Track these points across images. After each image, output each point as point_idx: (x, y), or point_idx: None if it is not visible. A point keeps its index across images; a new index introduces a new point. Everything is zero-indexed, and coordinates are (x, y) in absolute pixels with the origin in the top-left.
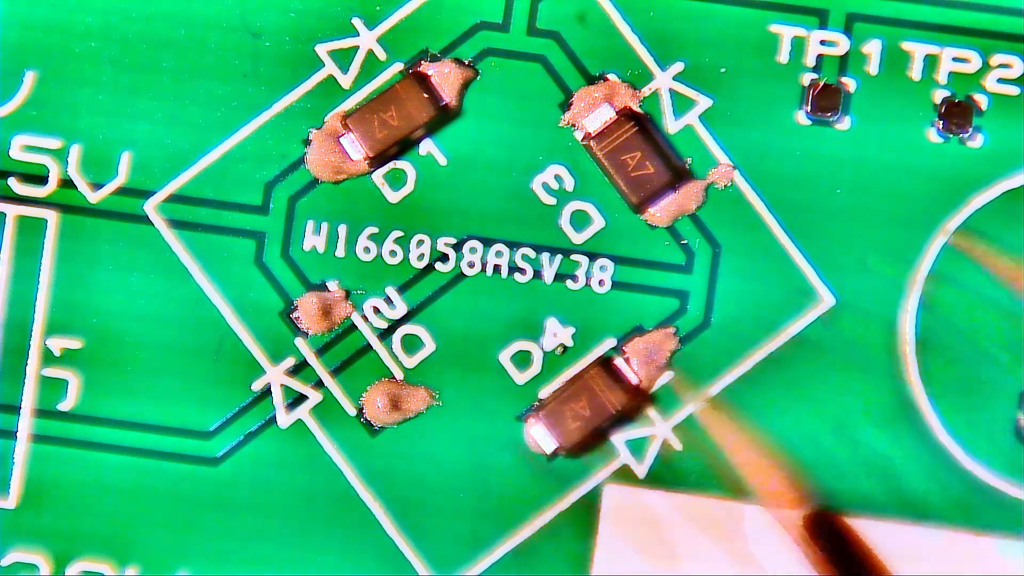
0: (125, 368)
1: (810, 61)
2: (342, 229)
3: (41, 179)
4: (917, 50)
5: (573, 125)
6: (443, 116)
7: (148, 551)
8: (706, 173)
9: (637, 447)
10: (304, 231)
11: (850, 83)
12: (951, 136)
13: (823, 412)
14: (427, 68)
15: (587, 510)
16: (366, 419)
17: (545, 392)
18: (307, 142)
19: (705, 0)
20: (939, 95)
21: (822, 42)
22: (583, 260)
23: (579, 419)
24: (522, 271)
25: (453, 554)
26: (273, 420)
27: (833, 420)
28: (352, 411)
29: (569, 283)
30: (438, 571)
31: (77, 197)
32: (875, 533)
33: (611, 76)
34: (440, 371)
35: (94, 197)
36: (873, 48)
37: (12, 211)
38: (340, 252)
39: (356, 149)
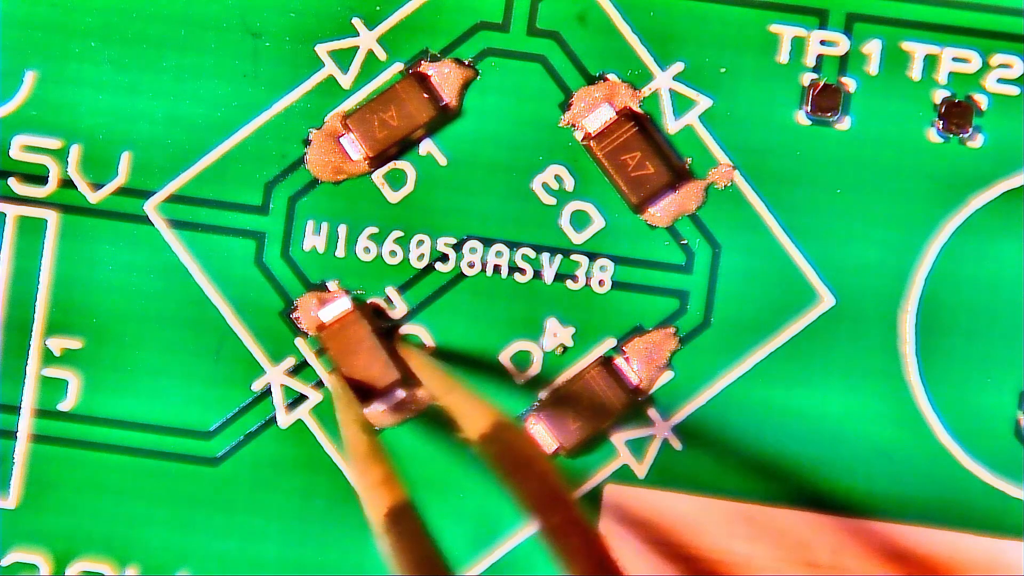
0: (125, 368)
1: (810, 61)
2: (342, 229)
3: (41, 179)
4: (917, 50)
5: (573, 125)
6: (443, 116)
7: (148, 551)
8: (706, 173)
9: (637, 447)
10: (304, 231)
11: (850, 83)
12: (951, 136)
13: (823, 412)
14: (427, 68)
15: (587, 510)
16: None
17: (545, 392)
18: (307, 142)
19: (705, 0)
20: (939, 95)
21: (822, 42)
22: (583, 260)
23: (579, 419)
24: (522, 271)
25: (453, 554)
26: (273, 420)
27: (833, 420)
28: None
29: (569, 283)
30: None
31: (77, 197)
32: (875, 533)
33: (611, 76)
34: None
35: (94, 197)
36: (873, 48)
37: (12, 211)
38: (340, 252)
39: (356, 149)
